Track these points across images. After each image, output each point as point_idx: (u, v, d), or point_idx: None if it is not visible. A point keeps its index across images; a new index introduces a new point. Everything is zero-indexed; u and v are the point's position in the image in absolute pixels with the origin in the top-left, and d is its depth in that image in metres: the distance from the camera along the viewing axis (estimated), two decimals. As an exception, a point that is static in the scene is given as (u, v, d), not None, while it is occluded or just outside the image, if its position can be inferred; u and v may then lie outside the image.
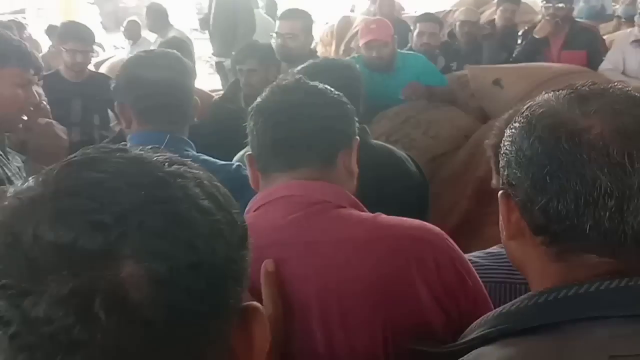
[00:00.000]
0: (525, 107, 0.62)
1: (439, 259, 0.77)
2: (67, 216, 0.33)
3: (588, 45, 3.25)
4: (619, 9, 4.86)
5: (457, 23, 3.51)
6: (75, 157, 0.37)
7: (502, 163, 0.62)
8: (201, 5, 6.82)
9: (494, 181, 0.81)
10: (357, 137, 0.94)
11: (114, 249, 0.33)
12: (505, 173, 0.61)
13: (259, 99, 0.93)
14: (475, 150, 2.44)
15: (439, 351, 0.65)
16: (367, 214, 0.83)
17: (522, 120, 0.60)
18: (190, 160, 1.12)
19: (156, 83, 1.28)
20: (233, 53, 4.23)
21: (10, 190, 0.36)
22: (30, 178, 0.37)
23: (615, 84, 0.61)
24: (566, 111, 0.57)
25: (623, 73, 3.00)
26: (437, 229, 0.83)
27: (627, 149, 0.52)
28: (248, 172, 0.92)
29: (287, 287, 0.75)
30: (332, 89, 0.93)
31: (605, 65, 3.07)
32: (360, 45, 2.76)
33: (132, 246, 0.33)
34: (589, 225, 0.53)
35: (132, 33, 5.39)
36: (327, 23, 7.52)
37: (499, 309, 0.60)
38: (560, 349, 0.52)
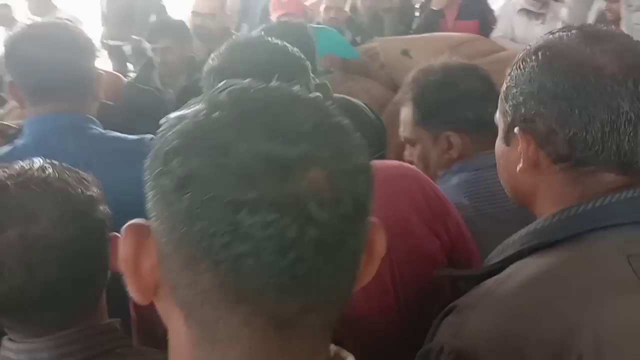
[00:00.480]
0: (533, 50, 0.69)
1: (425, 189, 0.83)
2: (273, 129, 0.37)
3: (479, 16, 3.49)
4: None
5: (359, -4, 3.60)
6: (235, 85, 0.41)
7: (513, 103, 0.69)
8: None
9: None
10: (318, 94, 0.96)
11: (312, 156, 0.37)
12: (522, 111, 0.67)
13: (214, 58, 0.90)
14: (391, 120, 2.55)
15: (473, 274, 0.72)
16: None
17: (539, 62, 0.67)
18: (99, 138, 1.06)
19: (50, 57, 1.15)
20: (134, 37, 4.06)
21: (185, 112, 0.40)
22: (202, 101, 0.40)
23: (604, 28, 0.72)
24: (585, 50, 0.65)
25: (512, 39, 3.26)
26: (411, 165, 0.89)
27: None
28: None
29: None
30: (292, 47, 0.94)
31: (496, 33, 3.32)
32: (272, 19, 2.75)
33: (323, 155, 0.37)
34: (612, 150, 0.62)
35: (4, 18, 4.93)
36: None
37: (524, 230, 0.68)
38: (584, 256, 0.61)
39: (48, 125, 1.15)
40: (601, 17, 2.85)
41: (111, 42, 4.14)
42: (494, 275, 0.67)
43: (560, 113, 0.64)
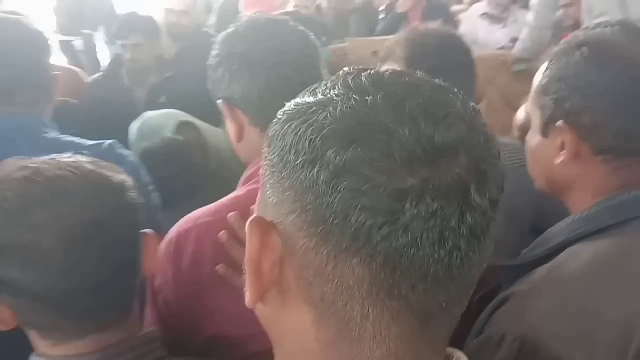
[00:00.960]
0: (574, 45, 0.70)
1: None
2: (431, 113, 0.35)
3: (443, 17, 3.56)
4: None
5: (324, -3, 3.59)
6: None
7: (555, 97, 0.70)
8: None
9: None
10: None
11: (465, 141, 0.36)
12: (567, 105, 0.69)
13: (232, 44, 0.82)
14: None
15: (519, 263, 0.72)
16: None
17: (585, 57, 0.68)
18: (52, 142, 0.99)
19: (2, 55, 1.07)
20: (84, 31, 3.87)
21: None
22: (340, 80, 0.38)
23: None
24: (634, 45, 0.68)
25: (474, 43, 3.33)
26: None
27: None
28: (230, 125, 0.84)
29: None
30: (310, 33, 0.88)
31: (459, 36, 3.39)
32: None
33: (474, 140, 0.36)
34: None
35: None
36: None
37: (569, 219, 0.70)
38: (632, 241, 0.64)
39: None
40: (557, 23, 2.96)
41: (62, 38, 3.94)
42: (542, 264, 0.68)
43: (612, 106, 0.67)
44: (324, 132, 0.35)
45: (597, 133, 0.68)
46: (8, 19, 1.18)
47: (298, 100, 0.39)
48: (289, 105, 0.40)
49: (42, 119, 1.12)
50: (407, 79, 0.39)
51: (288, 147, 0.37)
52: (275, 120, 0.40)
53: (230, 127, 0.83)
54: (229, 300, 0.70)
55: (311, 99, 0.38)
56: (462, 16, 3.62)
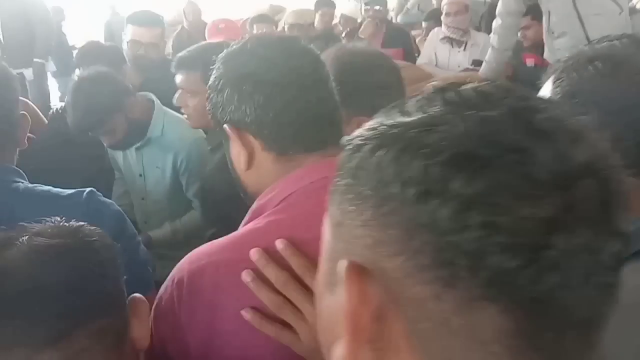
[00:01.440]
0: (585, 60, 0.67)
1: None
2: (563, 130, 0.30)
3: (403, 44, 3.62)
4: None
5: (286, 26, 3.57)
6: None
7: None
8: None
9: None
10: None
11: (597, 160, 0.31)
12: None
13: (242, 64, 0.74)
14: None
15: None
16: None
17: (599, 71, 0.65)
18: (25, 194, 0.90)
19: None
20: (36, 60, 3.71)
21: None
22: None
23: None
24: None
25: (436, 65, 3.39)
26: None
27: None
28: (238, 151, 0.75)
29: None
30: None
31: (421, 60, 3.45)
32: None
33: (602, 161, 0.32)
34: None
35: None
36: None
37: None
38: None
39: None
40: (518, 44, 3.05)
41: (14, 71, 3.76)
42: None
43: (631, 121, 0.64)
44: (442, 157, 0.29)
45: (618, 148, 0.66)
46: None
47: (384, 121, 0.32)
48: (370, 128, 0.33)
49: (10, 167, 0.98)
50: (514, 91, 0.33)
51: (389, 178, 0.30)
52: (351, 148, 0.34)
53: (238, 153, 0.75)
54: (253, 350, 0.63)
55: (407, 119, 0.31)
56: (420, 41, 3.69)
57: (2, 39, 3.69)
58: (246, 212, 0.76)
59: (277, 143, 0.72)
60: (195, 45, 1.69)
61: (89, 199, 0.96)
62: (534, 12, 2.84)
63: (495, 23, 2.59)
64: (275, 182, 0.72)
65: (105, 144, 1.83)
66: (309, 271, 0.62)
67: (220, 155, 1.55)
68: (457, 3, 3.29)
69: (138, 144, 1.80)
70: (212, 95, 0.77)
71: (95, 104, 1.67)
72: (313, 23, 4.03)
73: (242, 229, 0.73)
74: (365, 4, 3.55)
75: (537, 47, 3.21)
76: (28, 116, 1.00)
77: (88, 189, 0.98)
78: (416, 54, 3.66)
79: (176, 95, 1.67)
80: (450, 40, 3.34)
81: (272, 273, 0.63)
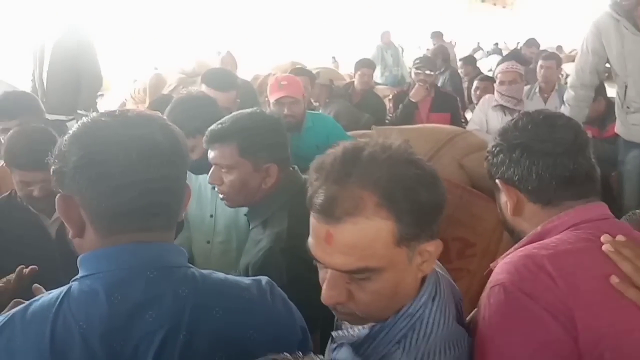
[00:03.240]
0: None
1: None
2: None
3: (450, 108, 3.60)
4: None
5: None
6: None
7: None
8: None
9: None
10: None
11: None
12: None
13: (509, 134, 1.02)
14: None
15: None
16: None
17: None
18: (201, 282, 0.84)
19: (139, 167, 0.78)
20: (80, 111, 3.63)
21: None
22: None
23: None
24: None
25: (487, 132, 3.35)
26: None
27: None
28: (507, 201, 1.02)
29: None
30: None
31: (472, 126, 3.41)
32: (271, 102, 2.58)
33: None
34: None
35: None
36: (135, 80, 7.12)
37: None
38: None
39: (128, 260, 0.79)
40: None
41: (52, 117, 3.68)
42: None
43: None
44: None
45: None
46: (146, 115, 0.85)
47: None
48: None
49: (180, 248, 0.85)
50: None
51: None
52: None
53: (508, 202, 1.02)
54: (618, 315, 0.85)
55: None
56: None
57: (45, 84, 3.64)
58: None
59: (542, 197, 0.99)
60: (227, 117, 1.51)
61: (272, 293, 0.86)
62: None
63: (568, 95, 2.57)
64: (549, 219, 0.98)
65: None
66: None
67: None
68: (512, 72, 3.29)
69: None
70: (489, 157, 1.04)
71: (190, 119, 1.68)
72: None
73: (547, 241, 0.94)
74: (416, 68, 3.54)
75: (594, 120, 3.20)
76: (190, 187, 0.88)
77: (265, 279, 0.88)
78: (462, 120, 3.63)
79: (210, 173, 1.49)
80: (502, 108, 3.31)
81: (627, 248, 0.88)
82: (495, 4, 34.95)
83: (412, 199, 0.75)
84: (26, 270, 1.20)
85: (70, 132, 0.80)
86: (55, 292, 0.79)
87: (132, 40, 10.57)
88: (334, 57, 15.57)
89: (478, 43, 17.35)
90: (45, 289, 1.01)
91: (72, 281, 0.79)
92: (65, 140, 0.78)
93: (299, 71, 3.39)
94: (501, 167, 1.00)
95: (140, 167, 0.77)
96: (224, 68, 3.49)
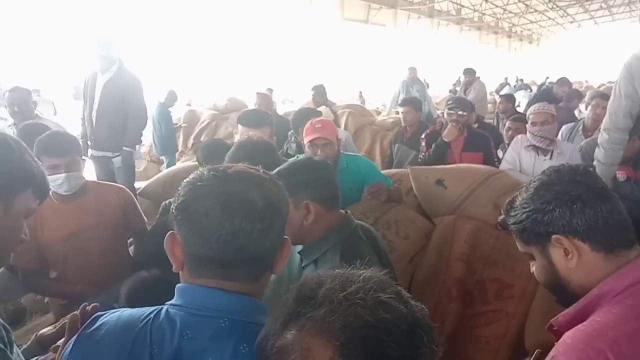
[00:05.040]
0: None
1: None
2: None
3: (483, 148, 3.64)
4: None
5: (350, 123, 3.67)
6: None
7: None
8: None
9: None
10: None
11: None
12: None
13: (563, 187, 1.05)
14: (442, 249, 2.47)
15: None
16: None
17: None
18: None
19: (224, 222, 0.86)
20: (126, 148, 3.80)
21: None
22: None
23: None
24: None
25: (520, 172, 3.39)
26: None
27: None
28: (562, 255, 1.04)
29: None
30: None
31: (505, 165, 3.44)
32: (305, 143, 2.67)
33: None
34: None
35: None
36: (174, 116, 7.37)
37: None
38: None
39: (206, 304, 0.87)
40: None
41: (99, 153, 3.86)
42: None
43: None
44: None
45: None
46: (250, 173, 0.93)
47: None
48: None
49: (258, 302, 0.92)
50: None
51: None
52: None
53: (570, 257, 1.03)
54: None
55: None
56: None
57: (94, 122, 3.83)
58: None
59: (605, 244, 1.01)
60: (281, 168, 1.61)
61: None
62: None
63: (601, 138, 2.60)
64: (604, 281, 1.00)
65: None
66: None
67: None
68: (544, 113, 3.34)
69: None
70: (536, 216, 1.05)
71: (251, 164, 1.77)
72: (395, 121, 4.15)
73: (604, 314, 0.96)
74: (449, 108, 3.62)
75: (629, 160, 3.20)
76: (289, 241, 0.96)
77: None
78: (495, 159, 3.67)
79: None
80: (535, 149, 3.35)
81: None
82: (521, 40, 35.04)
83: (373, 354, 0.60)
84: (89, 308, 1.27)
85: (183, 183, 0.92)
86: (149, 309, 0.89)
87: (165, 76, 10.92)
88: (360, 93, 15.78)
89: (506, 78, 17.39)
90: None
91: (165, 304, 0.89)
92: (180, 190, 0.91)
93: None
94: (561, 221, 1.02)
95: (226, 221, 0.86)
96: (256, 108, 3.64)
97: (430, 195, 2.85)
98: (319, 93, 5.56)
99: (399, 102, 4.61)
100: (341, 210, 1.62)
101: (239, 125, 2.58)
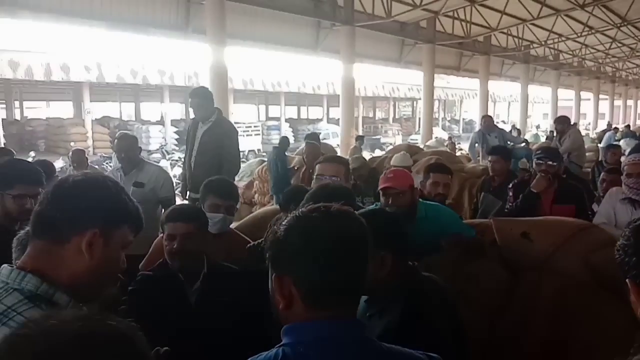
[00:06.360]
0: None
1: None
2: None
3: (575, 201, 3.47)
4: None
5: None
6: None
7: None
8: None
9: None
10: None
11: None
12: None
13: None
14: (525, 304, 2.39)
15: None
16: None
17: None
18: (382, 355, 0.99)
19: (340, 252, 1.00)
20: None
21: None
22: None
23: None
24: None
25: (615, 226, 3.20)
26: None
27: None
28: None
29: None
30: None
31: (599, 219, 3.27)
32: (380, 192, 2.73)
33: None
34: None
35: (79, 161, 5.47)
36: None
37: None
38: None
39: (327, 332, 0.99)
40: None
41: (195, 196, 4.15)
42: None
43: None
44: None
45: None
46: (338, 208, 1.07)
47: None
48: None
49: (360, 320, 1.06)
50: None
51: None
52: None
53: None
54: None
55: None
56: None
57: (193, 167, 4.16)
58: None
59: None
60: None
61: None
62: None
63: None
64: None
65: None
66: None
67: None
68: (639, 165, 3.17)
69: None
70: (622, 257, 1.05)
71: None
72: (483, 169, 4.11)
73: None
74: (538, 158, 3.52)
75: None
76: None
77: (436, 356, 1.06)
78: (589, 212, 3.50)
79: None
80: (632, 201, 3.17)
81: None
82: (627, 85, 33.07)
83: None
84: (162, 351, 1.37)
85: (284, 225, 1.03)
86: (267, 354, 0.98)
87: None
88: (450, 138, 15.62)
89: (609, 124, 16.45)
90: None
91: (277, 347, 0.99)
92: (281, 231, 1.01)
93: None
94: (633, 271, 1.02)
95: (341, 251, 0.99)
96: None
97: (514, 248, 2.77)
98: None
99: (486, 150, 4.55)
100: (409, 263, 1.65)
101: (317, 165, 2.74)
